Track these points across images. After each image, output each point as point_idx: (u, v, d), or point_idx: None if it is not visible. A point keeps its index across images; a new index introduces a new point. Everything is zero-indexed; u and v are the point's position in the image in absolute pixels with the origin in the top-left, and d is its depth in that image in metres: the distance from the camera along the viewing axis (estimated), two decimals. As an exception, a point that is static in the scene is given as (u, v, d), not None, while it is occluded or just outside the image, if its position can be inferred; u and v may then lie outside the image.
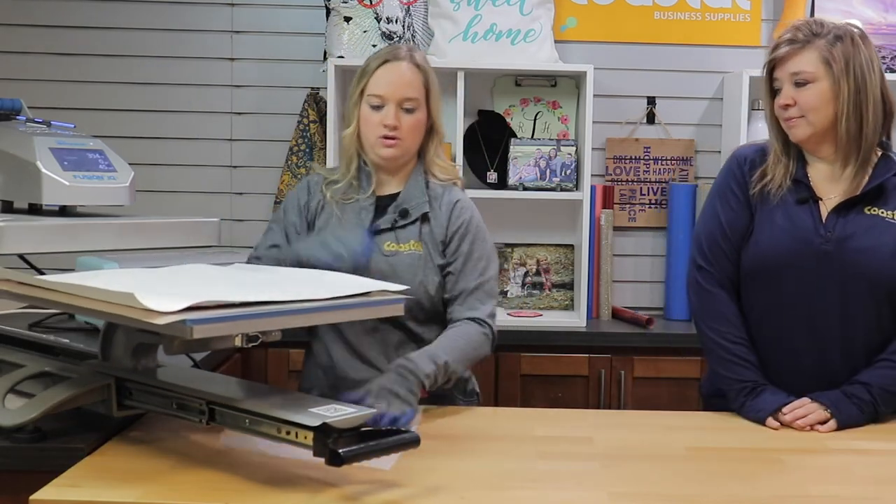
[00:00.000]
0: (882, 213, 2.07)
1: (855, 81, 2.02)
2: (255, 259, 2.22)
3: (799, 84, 2.04)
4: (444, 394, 2.17)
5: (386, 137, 2.16)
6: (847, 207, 2.07)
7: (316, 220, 2.24)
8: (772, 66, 2.09)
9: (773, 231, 2.09)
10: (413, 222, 2.19)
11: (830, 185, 2.10)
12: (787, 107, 2.06)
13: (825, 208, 2.08)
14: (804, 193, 2.10)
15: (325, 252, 2.10)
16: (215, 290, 1.60)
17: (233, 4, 3.62)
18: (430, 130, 2.24)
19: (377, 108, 2.16)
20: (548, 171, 3.41)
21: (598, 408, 3.18)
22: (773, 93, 2.10)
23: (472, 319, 2.14)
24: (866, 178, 2.07)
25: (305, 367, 2.32)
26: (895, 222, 2.06)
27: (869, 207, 2.08)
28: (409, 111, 2.17)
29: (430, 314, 2.18)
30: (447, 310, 2.19)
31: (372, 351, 2.17)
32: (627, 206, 3.63)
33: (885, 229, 2.06)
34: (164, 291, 1.53)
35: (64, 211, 2.03)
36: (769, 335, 2.12)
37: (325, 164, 3.40)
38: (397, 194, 2.22)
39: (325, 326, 2.19)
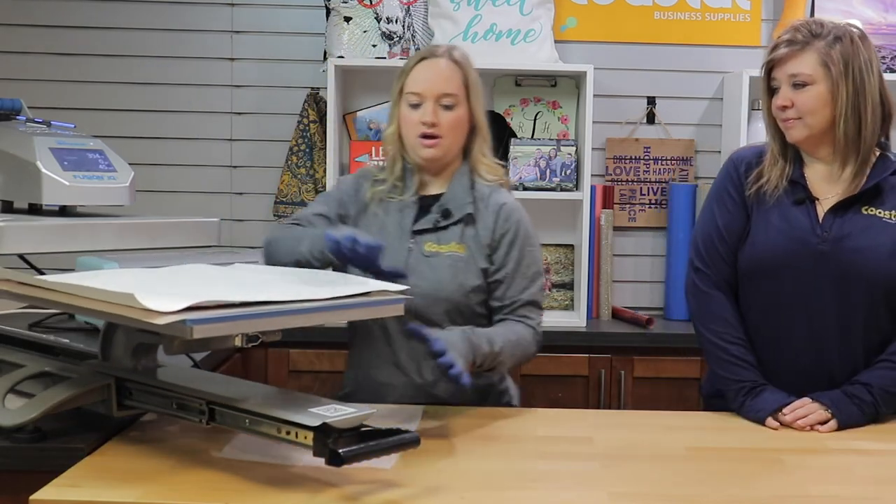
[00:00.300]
0: (879, 212, 2.07)
1: (853, 84, 2.02)
2: (293, 222, 2.19)
3: (797, 86, 2.04)
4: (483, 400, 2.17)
5: (425, 136, 2.12)
6: (844, 207, 2.07)
7: (362, 213, 2.20)
8: (770, 67, 2.09)
9: (769, 231, 2.09)
10: (456, 223, 2.14)
11: (828, 185, 2.10)
12: (784, 108, 2.05)
13: (822, 208, 2.08)
14: (801, 194, 2.09)
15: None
16: (215, 290, 1.60)
17: (233, 4, 3.62)
18: (474, 130, 2.19)
19: (415, 106, 2.13)
20: (548, 171, 3.41)
21: (598, 408, 3.18)
22: (772, 92, 2.10)
23: (525, 324, 2.12)
24: (864, 178, 2.07)
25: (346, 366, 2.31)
26: (892, 222, 2.06)
27: (866, 207, 2.07)
28: (447, 108, 2.12)
29: (468, 318, 2.13)
30: (493, 317, 2.15)
31: (403, 354, 2.15)
32: (627, 206, 3.63)
33: (882, 229, 2.06)
34: (163, 291, 1.53)
35: (64, 211, 2.03)
36: (767, 335, 2.12)
37: (325, 164, 3.40)
38: (441, 195, 2.17)
39: (374, 327, 2.16)
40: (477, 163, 2.19)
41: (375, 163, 3.42)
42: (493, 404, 2.21)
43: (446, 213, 2.15)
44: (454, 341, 1.92)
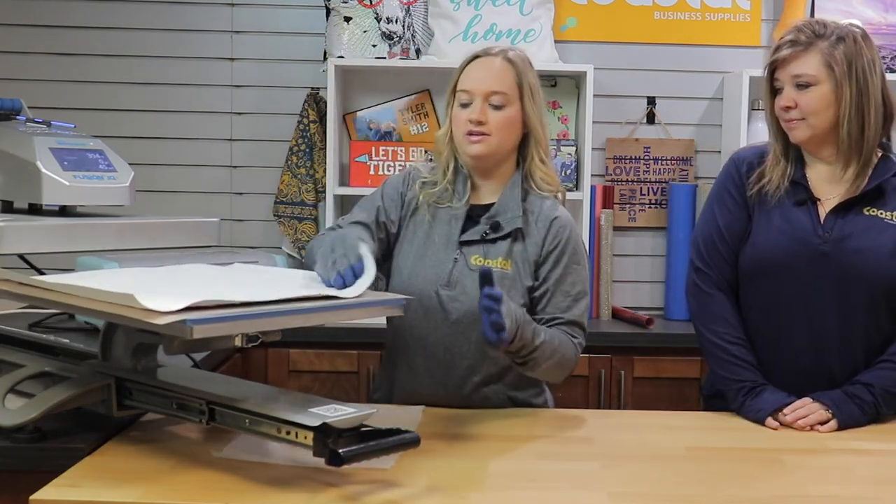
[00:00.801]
0: (881, 213, 2.07)
1: (857, 84, 2.02)
2: (333, 227, 2.13)
3: (800, 86, 2.04)
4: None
5: (472, 133, 2.06)
6: (846, 208, 2.07)
7: (410, 216, 2.15)
8: (773, 67, 2.08)
9: (770, 232, 2.09)
10: (504, 237, 2.08)
11: (830, 186, 2.10)
12: (787, 108, 2.05)
13: (823, 209, 2.08)
14: (802, 195, 2.09)
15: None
16: (215, 289, 1.60)
17: (233, 4, 3.62)
18: (528, 134, 2.11)
19: (466, 105, 2.07)
20: (548, 171, 3.40)
21: (598, 408, 3.18)
22: (774, 92, 2.09)
23: (569, 336, 2.06)
24: (866, 179, 2.07)
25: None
26: (893, 223, 2.06)
27: (868, 208, 2.07)
28: (497, 107, 2.06)
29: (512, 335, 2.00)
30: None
31: (440, 370, 2.10)
32: (627, 206, 3.63)
33: (884, 230, 2.05)
34: (163, 291, 1.53)
35: (64, 211, 2.03)
36: (768, 336, 2.12)
37: (325, 164, 3.40)
38: (492, 205, 2.11)
39: (414, 339, 2.11)
40: (532, 171, 2.12)
41: (376, 164, 3.42)
42: None
43: (496, 226, 2.08)
44: (512, 307, 1.86)
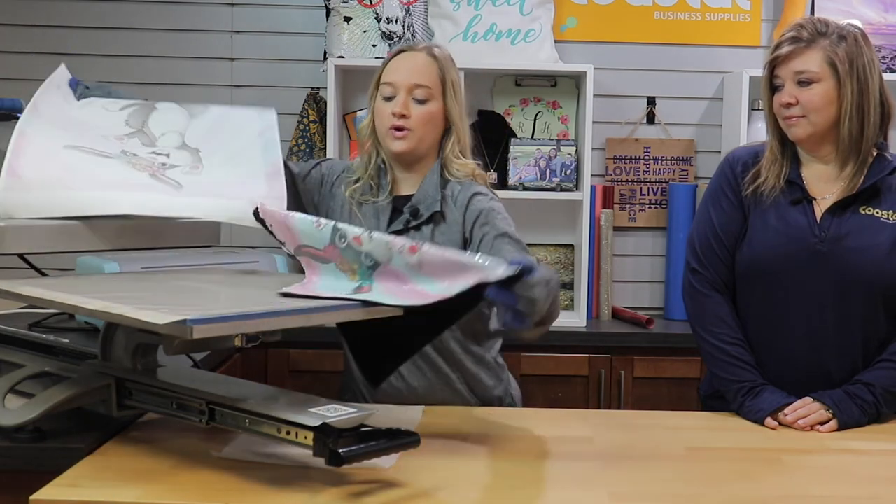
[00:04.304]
0: (877, 212, 2.07)
1: (858, 83, 2.02)
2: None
3: (802, 84, 2.04)
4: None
5: (396, 129, 2.11)
6: (842, 207, 2.07)
7: (331, 211, 2.20)
8: (773, 64, 2.08)
9: (767, 232, 2.09)
10: (426, 222, 2.13)
11: (825, 185, 2.10)
12: (788, 105, 2.05)
13: (819, 208, 2.08)
14: (798, 194, 2.09)
15: None
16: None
17: (233, 4, 3.62)
18: (449, 129, 2.17)
19: (389, 98, 2.13)
20: (548, 171, 3.41)
21: (598, 408, 3.18)
22: (773, 90, 2.09)
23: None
24: (862, 178, 2.07)
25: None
26: (890, 222, 2.06)
27: (864, 207, 2.07)
28: (420, 101, 2.12)
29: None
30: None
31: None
32: (627, 206, 3.63)
33: (880, 229, 2.06)
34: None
35: (64, 211, 2.03)
36: (765, 336, 2.12)
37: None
38: (412, 195, 2.17)
39: None
40: (448, 162, 2.17)
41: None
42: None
43: (415, 213, 2.14)
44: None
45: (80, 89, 2.20)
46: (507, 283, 1.59)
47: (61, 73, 2.24)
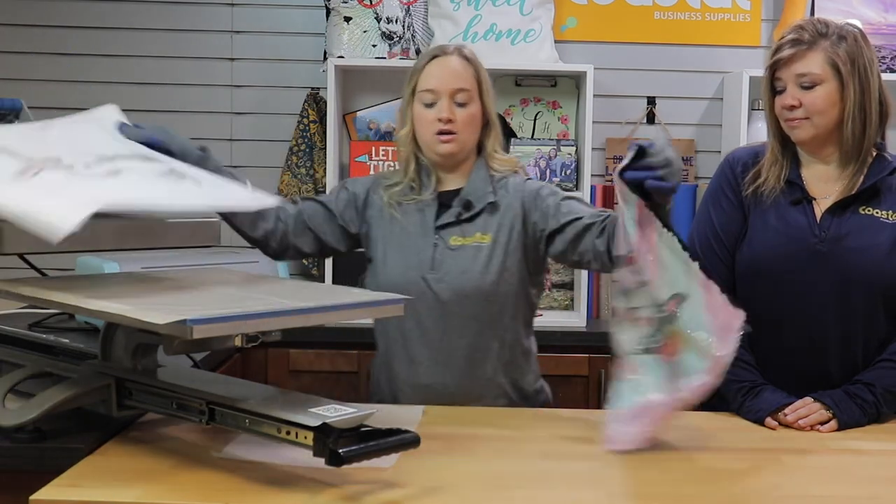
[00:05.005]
0: (877, 212, 2.07)
1: (860, 83, 2.02)
2: (290, 204, 2.20)
3: (805, 86, 2.03)
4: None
5: (442, 133, 2.13)
6: (842, 208, 2.07)
7: (370, 220, 2.21)
8: (774, 67, 2.08)
9: (767, 232, 2.09)
10: (479, 213, 2.16)
11: (825, 185, 2.10)
12: (792, 108, 2.04)
13: (819, 209, 2.08)
14: (798, 195, 2.09)
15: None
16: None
17: (233, 4, 3.62)
18: (487, 125, 2.20)
19: (430, 104, 2.14)
20: (548, 171, 3.41)
21: (598, 408, 3.18)
22: (774, 91, 2.09)
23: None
24: (862, 178, 2.07)
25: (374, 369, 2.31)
26: (889, 222, 2.06)
27: (864, 207, 2.07)
28: (461, 105, 2.14)
29: (501, 308, 2.14)
30: (582, 249, 2.09)
31: (441, 356, 2.15)
32: (627, 206, 3.63)
33: (880, 229, 2.05)
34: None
35: (64, 211, 2.02)
36: (765, 336, 2.11)
37: (325, 164, 3.40)
38: (460, 189, 2.19)
39: (409, 331, 2.15)
40: (490, 158, 2.21)
41: (376, 164, 3.43)
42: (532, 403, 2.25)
43: (468, 205, 2.16)
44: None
45: (130, 130, 1.92)
46: (636, 164, 1.77)
47: (110, 113, 1.97)
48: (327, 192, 3.34)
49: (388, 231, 2.19)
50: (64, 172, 1.59)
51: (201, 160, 1.91)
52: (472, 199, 2.16)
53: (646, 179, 1.78)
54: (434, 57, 2.18)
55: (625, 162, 1.79)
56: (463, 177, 2.20)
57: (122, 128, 1.86)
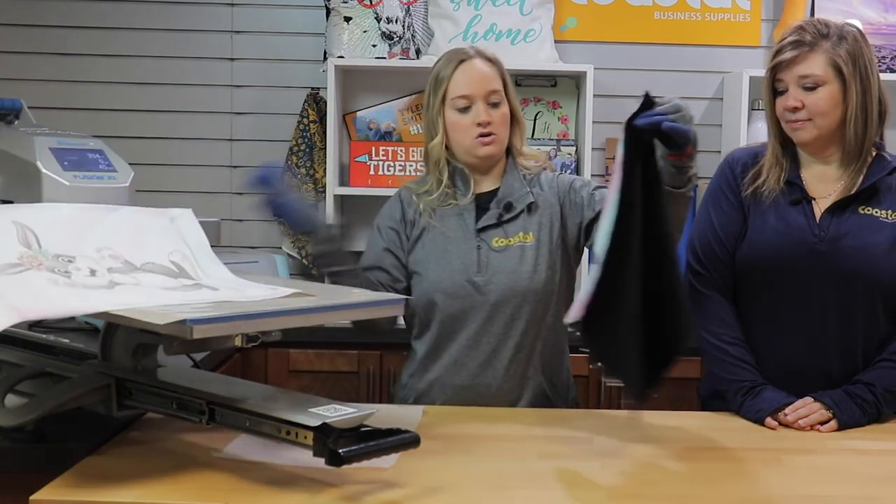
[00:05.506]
0: (876, 212, 2.07)
1: (862, 83, 2.02)
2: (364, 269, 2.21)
3: (807, 88, 2.03)
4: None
5: (482, 136, 2.14)
6: (841, 207, 2.07)
7: (416, 231, 2.21)
8: (775, 69, 2.07)
9: (766, 232, 2.09)
10: (520, 214, 2.17)
11: (825, 185, 2.10)
12: (794, 109, 2.04)
13: (819, 208, 2.08)
14: (797, 194, 2.09)
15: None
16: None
17: (233, 4, 3.62)
18: (514, 123, 2.22)
19: (464, 109, 2.15)
20: (548, 171, 3.40)
21: (598, 408, 3.18)
22: (775, 93, 2.09)
23: None
24: (861, 178, 2.07)
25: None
26: (889, 222, 2.06)
27: (863, 207, 2.07)
28: (495, 105, 2.16)
29: (547, 306, 2.16)
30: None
31: (489, 357, 2.16)
32: (627, 206, 3.62)
33: (879, 229, 2.05)
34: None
35: (64, 211, 2.02)
36: (765, 336, 2.12)
37: (325, 164, 3.41)
38: (495, 191, 2.20)
39: (459, 334, 2.17)
40: (519, 155, 2.23)
41: (376, 164, 3.43)
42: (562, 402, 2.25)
43: (508, 207, 2.17)
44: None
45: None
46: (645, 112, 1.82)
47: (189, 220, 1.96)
48: (327, 192, 3.36)
49: (427, 239, 2.20)
50: (48, 278, 1.57)
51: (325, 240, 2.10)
52: (512, 199, 2.17)
53: (662, 122, 1.81)
54: (460, 62, 2.17)
55: (634, 112, 1.81)
56: (496, 178, 2.21)
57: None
